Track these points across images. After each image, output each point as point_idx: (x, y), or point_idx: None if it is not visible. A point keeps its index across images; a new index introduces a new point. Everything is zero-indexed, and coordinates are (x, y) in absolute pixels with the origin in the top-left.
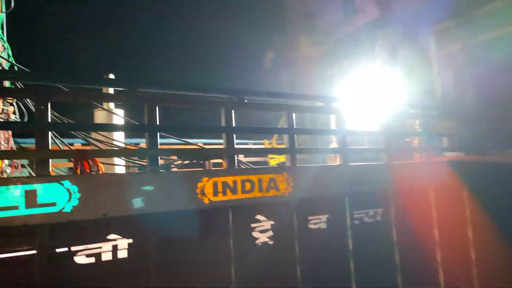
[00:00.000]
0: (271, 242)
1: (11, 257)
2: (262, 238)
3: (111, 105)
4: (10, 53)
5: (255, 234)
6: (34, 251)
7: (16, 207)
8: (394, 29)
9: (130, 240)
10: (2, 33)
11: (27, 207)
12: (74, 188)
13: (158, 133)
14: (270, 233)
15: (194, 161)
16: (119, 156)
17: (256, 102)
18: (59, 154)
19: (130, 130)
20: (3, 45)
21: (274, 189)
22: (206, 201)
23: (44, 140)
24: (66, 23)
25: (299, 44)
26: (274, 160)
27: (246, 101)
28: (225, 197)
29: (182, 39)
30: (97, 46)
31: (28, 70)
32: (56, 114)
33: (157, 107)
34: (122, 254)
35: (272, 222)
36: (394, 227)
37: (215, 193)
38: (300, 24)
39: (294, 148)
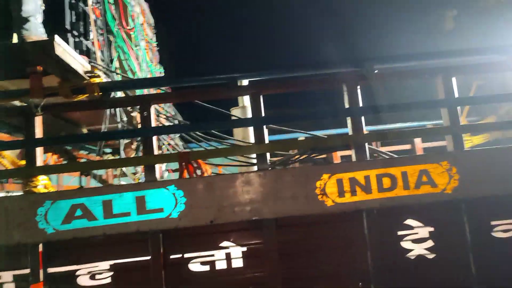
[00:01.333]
0: (430, 256)
1: (128, 262)
2: (417, 250)
3: (246, 101)
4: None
5: (405, 244)
6: (148, 257)
7: (128, 214)
8: None
9: (244, 249)
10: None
11: (138, 213)
12: (179, 193)
13: (264, 126)
14: (429, 243)
15: (314, 155)
16: (225, 156)
17: (391, 71)
18: (162, 158)
19: (235, 125)
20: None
21: (429, 184)
22: (329, 203)
23: (150, 145)
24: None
25: None
26: (467, 143)
27: (376, 71)
28: (354, 197)
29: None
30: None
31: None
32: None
33: (261, 96)
34: (237, 263)
35: (431, 229)
36: None
37: (341, 193)
38: None
39: (457, 126)
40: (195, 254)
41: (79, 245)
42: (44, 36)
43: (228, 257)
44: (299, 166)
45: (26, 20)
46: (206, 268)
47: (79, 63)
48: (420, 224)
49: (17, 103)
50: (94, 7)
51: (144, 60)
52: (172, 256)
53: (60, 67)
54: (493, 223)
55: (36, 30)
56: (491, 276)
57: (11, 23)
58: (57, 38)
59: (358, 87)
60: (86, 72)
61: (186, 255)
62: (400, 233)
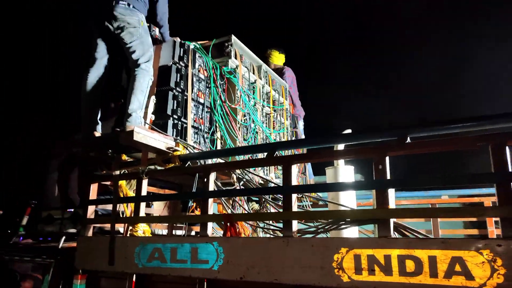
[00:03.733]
0: None
1: None
2: None
3: (341, 162)
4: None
5: None
6: None
7: (185, 261)
8: None
9: None
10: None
11: (191, 262)
12: (220, 249)
13: (293, 195)
14: None
15: (333, 226)
16: (260, 219)
17: (427, 140)
18: (212, 218)
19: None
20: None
21: (462, 275)
22: (345, 279)
23: (206, 206)
24: None
25: None
26: None
27: (408, 141)
28: (372, 277)
29: None
30: None
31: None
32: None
33: (292, 167)
34: None
35: None
36: None
37: (358, 270)
38: None
39: (509, 207)
40: None
41: (156, 280)
42: (139, 126)
43: None
44: (321, 237)
45: (129, 115)
46: None
47: (162, 142)
48: None
49: None
50: (199, 92)
51: (259, 127)
52: None
53: (146, 147)
54: None
55: (135, 122)
56: None
57: None
58: (136, 128)
59: (387, 157)
60: (168, 148)
61: None
62: None
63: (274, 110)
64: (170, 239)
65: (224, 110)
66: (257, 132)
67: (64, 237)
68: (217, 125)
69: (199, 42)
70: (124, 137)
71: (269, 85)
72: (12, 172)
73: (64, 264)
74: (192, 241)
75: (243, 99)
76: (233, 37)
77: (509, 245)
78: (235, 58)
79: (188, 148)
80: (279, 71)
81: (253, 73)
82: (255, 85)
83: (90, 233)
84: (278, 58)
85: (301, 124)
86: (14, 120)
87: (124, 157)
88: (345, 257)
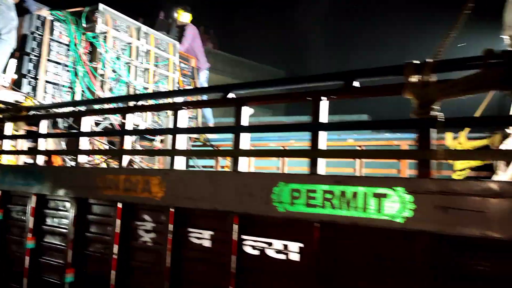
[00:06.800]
0: (150, 244)
1: None
2: (145, 237)
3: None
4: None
5: (140, 232)
6: None
7: (29, 182)
8: None
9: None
10: None
11: (33, 182)
12: (43, 175)
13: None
14: (152, 235)
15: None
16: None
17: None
18: (41, 152)
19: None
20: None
21: (147, 191)
22: (101, 193)
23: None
24: None
25: None
26: (462, 166)
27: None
28: (111, 191)
29: None
30: None
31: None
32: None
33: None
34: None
35: (154, 225)
36: None
37: (108, 188)
38: None
39: (174, 150)
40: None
41: (13, 194)
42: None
43: None
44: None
45: None
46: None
47: (10, 97)
48: (150, 220)
49: None
50: (59, 54)
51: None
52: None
53: None
54: (188, 229)
55: None
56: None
57: None
58: None
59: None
60: (16, 101)
61: None
62: (138, 223)
63: (156, 66)
64: (18, 166)
65: (85, 69)
66: (128, 86)
67: None
68: (77, 81)
69: (70, 10)
70: None
71: (150, 44)
72: None
73: None
74: (39, 169)
75: (106, 58)
76: (101, 5)
77: (169, 172)
78: (106, 24)
79: (34, 101)
80: (182, 28)
81: (131, 35)
82: (131, 45)
83: None
84: (183, 16)
85: (202, 75)
86: None
87: (0, 105)
88: (106, 179)
